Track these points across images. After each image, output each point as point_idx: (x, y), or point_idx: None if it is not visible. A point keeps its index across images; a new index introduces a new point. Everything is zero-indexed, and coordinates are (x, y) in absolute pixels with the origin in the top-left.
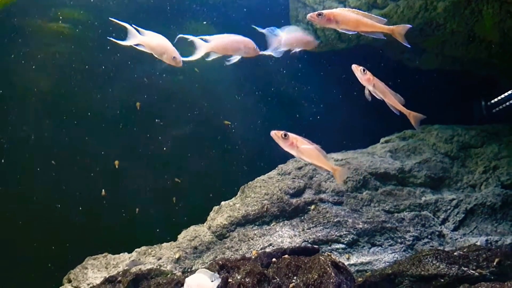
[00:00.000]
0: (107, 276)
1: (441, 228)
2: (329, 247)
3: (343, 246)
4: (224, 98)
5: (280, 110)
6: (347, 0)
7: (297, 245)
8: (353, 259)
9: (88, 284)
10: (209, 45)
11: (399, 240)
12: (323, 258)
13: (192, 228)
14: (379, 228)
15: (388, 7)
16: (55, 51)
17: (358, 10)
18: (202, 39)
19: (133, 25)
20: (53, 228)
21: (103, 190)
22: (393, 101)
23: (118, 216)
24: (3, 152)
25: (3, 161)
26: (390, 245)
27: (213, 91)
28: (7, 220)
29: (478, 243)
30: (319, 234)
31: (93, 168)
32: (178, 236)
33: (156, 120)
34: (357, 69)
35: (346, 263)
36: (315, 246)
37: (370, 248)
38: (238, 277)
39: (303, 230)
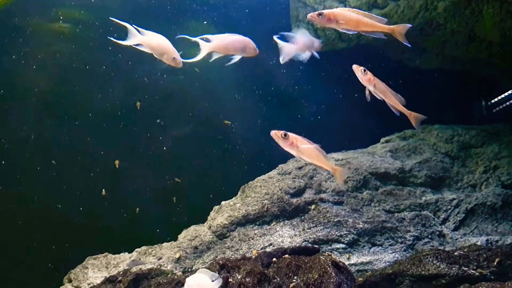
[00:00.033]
0: (108, 276)
1: (441, 228)
2: (329, 247)
3: (343, 246)
4: (224, 98)
5: (280, 110)
6: (348, 0)
7: (298, 244)
8: (354, 259)
9: (89, 284)
10: (211, 45)
11: (399, 240)
12: (323, 258)
13: (192, 228)
14: (379, 228)
15: (388, 6)
16: (55, 51)
17: (359, 10)
18: (203, 38)
19: (133, 25)
20: (54, 228)
21: (103, 190)
22: (394, 101)
23: (118, 216)
24: (3, 152)
25: (3, 161)
26: (391, 245)
27: (213, 91)
28: (7, 220)
29: (479, 243)
30: (320, 234)
31: (93, 168)
32: (179, 236)
33: (157, 120)
34: (357, 70)
35: (346, 263)
36: (315, 246)
37: (370, 248)
38: (239, 277)
39: (303, 229)
